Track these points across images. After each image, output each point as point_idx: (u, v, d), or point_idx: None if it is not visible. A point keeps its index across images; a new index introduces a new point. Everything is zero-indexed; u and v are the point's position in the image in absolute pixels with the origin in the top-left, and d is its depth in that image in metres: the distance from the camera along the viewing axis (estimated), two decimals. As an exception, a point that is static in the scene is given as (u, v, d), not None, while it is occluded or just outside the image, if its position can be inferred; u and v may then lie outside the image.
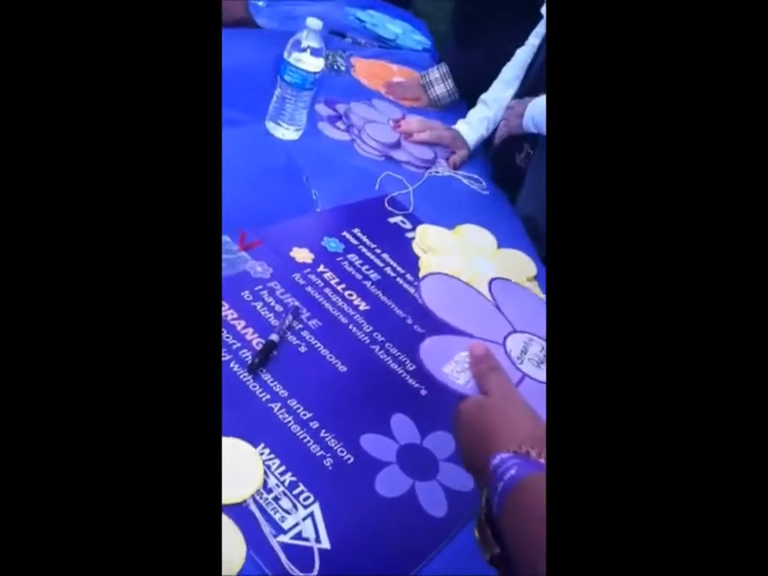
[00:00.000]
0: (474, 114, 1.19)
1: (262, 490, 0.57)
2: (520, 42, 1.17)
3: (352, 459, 0.63)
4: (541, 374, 0.55)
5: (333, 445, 0.63)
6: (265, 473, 0.59)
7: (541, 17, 1.14)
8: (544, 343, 0.57)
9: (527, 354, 0.56)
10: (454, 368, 0.52)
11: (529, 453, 0.43)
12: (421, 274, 0.89)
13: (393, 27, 1.54)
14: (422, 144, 1.13)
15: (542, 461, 0.43)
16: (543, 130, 1.05)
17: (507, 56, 1.20)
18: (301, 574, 0.53)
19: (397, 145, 1.11)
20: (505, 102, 1.15)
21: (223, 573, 0.50)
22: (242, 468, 0.58)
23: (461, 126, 1.18)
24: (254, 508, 0.56)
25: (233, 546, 0.53)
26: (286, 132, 1.02)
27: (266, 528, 0.55)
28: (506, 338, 0.58)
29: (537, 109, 1.06)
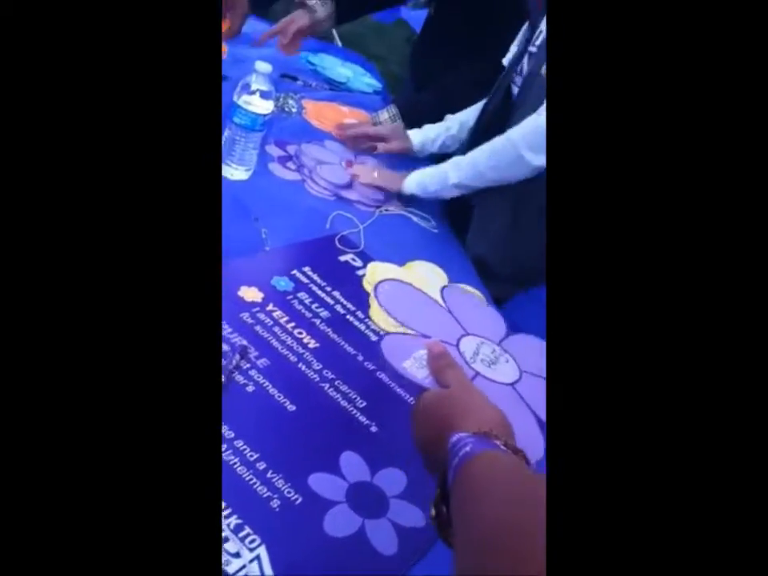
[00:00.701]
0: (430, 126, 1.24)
1: (206, 535, 0.56)
2: (477, 84, 1.21)
3: (300, 499, 0.62)
4: (492, 374, 0.57)
5: (280, 485, 0.63)
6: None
7: (502, 65, 1.18)
8: (495, 346, 0.58)
9: (479, 355, 0.58)
10: (413, 364, 0.54)
11: (487, 434, 0.44)
12: (371, 312, 0.89)
13: (344, 70, 1.58)
14: (372, 187, 1.15)
15: (499, 442, 0.43)
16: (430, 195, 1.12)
17: (461, 98, 1.24)
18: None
19: (348, 185, 1.13)
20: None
21: None
22: None
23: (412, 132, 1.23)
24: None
25: None
26: (236, 172, 1.03)
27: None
28: (459, 339, 0.59)
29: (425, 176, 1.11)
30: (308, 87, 1.41)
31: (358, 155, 1.24)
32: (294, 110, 1.28)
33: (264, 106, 1.01)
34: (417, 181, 1.12)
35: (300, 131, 1.23)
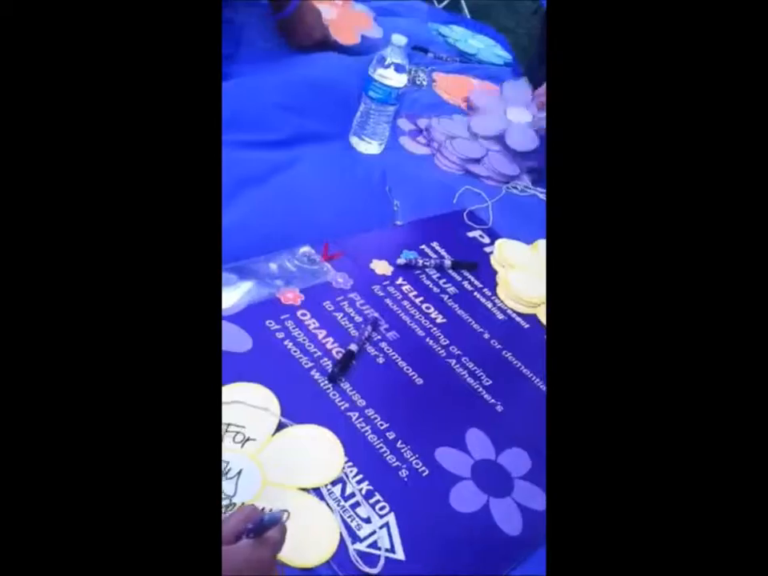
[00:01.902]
0: None
1: (340, 497, 0.59)
2: None
3: (427, 472, 0.63)
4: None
5: (408, 456, 0.64)
6: (345, 475, 0.60)
7: None
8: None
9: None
10: None
11: None
12: (498, 290, 0.88)
13: (474, 42, 1.55)
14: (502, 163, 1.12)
15: None
16: None
17: None
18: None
19: (477, 160, 1.11)
20: None
21: (314, 560, 0.53)
22: (324, 455, 0.62)
23: None
24: (331, 502, 0.58)
25: (326, 530, 0.56)
26: (369, 146, 1.04)
27: (344, 533, 0.56)
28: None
29: None
30: (439, 60, 1.40)
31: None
32: (424, 82, 1.28)
33: (398, 80, 1.02)
34: None
35: (430, 104, 1.22)
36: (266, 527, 0.45)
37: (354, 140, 1.04)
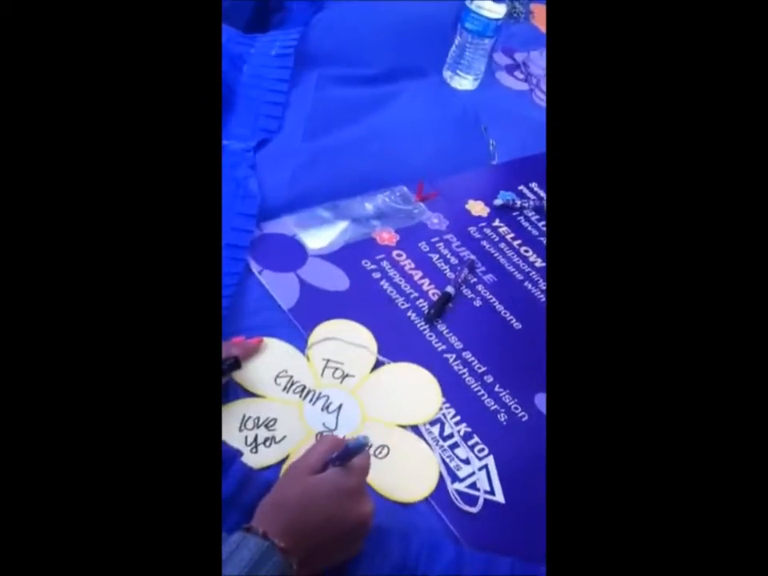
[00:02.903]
0: None
1: (438, 437, 0.58)
2: None
3: (526, 417, 0.62)
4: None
5: (507, 401, 0.63)
6: (443, 416, 0.60)
7: None
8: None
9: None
10: None
11: None
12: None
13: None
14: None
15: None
16: None
17: None
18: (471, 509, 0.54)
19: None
20: None
21: (413, 496, 0.54)
22: (422, 394, 0.61)
23: None
24: (430, 441, 0.57)
25: (426, 467, 0.56)
26: (464, 82, 1.00)
27: (444, 472, 0.56)
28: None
29: None
30: (536, -11, 1.32)
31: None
32: (521, 15, 1.21)
33: (496, 10, 0.96)
34: None
35: (528, 38, 1.15)
36: (351, 454, 0.45)
37: (448, 75, 1.00)
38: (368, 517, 0.45)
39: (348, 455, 0.45)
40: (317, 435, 0.56)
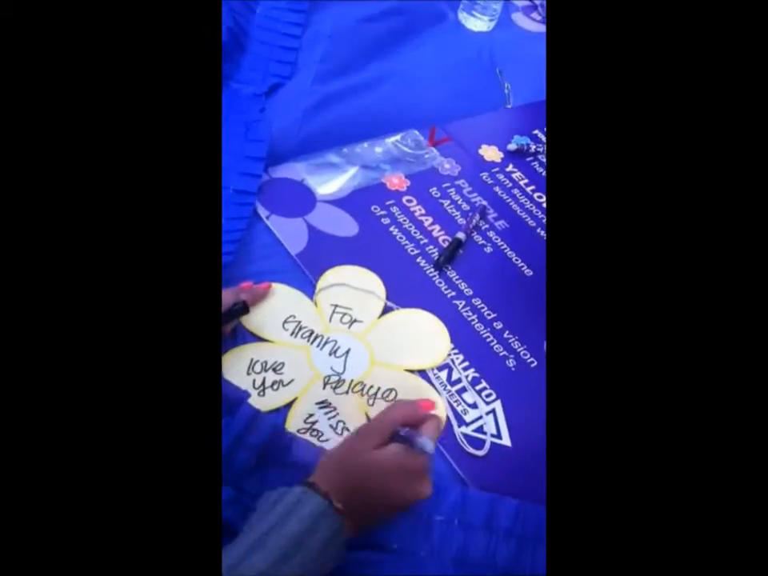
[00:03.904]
0: None
1: (446, 382, 0.58)
2: None
3: (535, 363, 0.62)
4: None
5: (516, 347, 0.63)
6: (451, 361, 0.60)
7: None
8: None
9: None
10: None
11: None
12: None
13: None
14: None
15: None
16: None
17: None
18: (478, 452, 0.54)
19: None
20: None
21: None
22: (430, 339, 0.61)
23: None
24: (438, 386, 0.57)
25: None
26: (479, 23, 0.97)
27: (451, 416, 0.56)
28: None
29: None
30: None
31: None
32: (541, -49, 1.16)
33: (514, -54, 0.92)
34: None
35: (547, -24, 1.11)
36: (416, 448, 0.44)
37: (463, 15, 0.97)
38: (424, 498, 0.45)
39: (413, 446, 0.44)
40: (324, 378, 0.56)
